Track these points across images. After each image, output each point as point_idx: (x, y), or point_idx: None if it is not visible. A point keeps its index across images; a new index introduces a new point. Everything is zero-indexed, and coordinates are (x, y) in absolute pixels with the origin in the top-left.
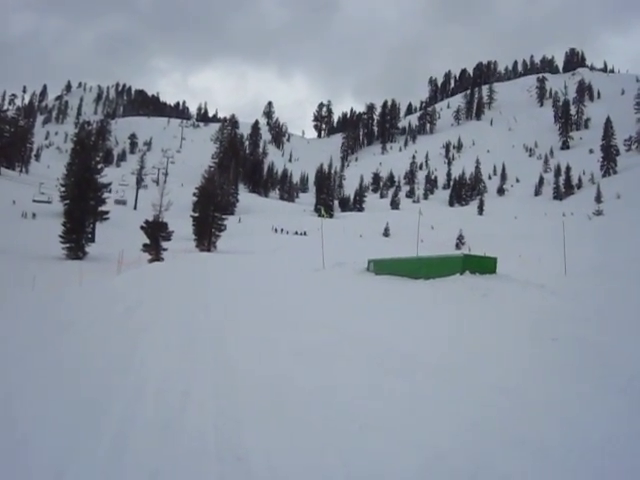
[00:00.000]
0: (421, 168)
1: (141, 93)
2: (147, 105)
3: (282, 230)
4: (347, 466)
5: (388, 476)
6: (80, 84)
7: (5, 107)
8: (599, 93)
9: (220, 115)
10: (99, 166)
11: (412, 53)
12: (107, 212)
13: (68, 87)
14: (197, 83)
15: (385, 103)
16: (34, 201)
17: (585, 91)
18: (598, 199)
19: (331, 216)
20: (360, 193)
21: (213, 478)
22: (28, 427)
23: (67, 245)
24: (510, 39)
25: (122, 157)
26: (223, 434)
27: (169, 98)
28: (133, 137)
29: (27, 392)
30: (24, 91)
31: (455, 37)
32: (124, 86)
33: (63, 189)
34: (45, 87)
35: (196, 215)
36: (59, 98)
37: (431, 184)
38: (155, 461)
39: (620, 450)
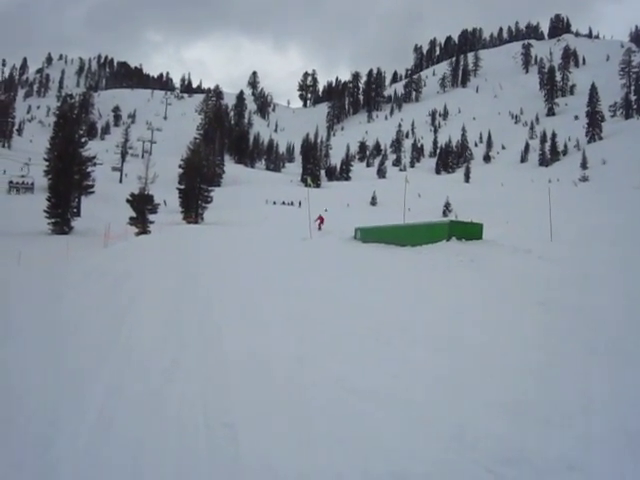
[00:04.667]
0: (407, 136)
1: (124, 65)
2: (130, 77)
3: (268, 201)
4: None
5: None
6: (61, 56)
7: None
8: (584, 59)
9: (205, 86)
10: (83, 139)
11: (403, 21)
12: (92, 186)
13: (49, 60)
14: (191, 55)
15: (370, 72)
16: (10, 185)
17: (570, 57)
18: (584, 165)
19: (318, 186)
20: (347, 162)
21: (202, 443)
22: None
23: (52, 220)
24: (495, 5)
25: (106, 130)
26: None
27: (157, 71)
28: (117, 110)
29: (17, 365)
30: (3, 64)
31: (442, 3)
32: (106, 58)
33: (47, 163)
34: (25, 60)
35: (182, 187)
36: (40, 71)
37: (418, 152)
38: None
39: (603, 408)
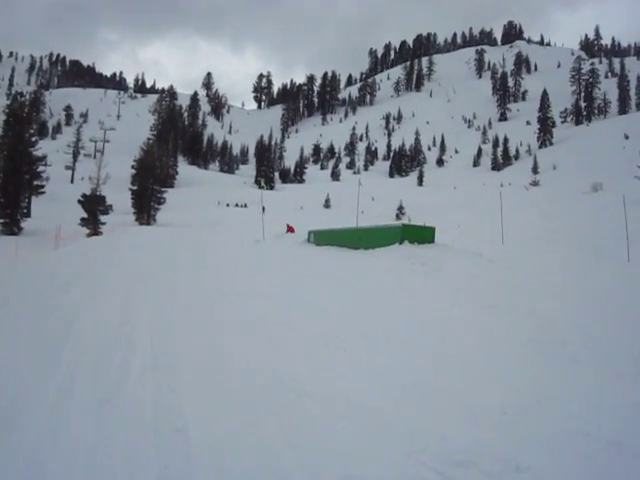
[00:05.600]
0: (361, 139)
1: (76, 64)
2: (82, 76)
3: (221, 202)
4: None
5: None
6: (11, 53)
7: None
8: (536, 66)
9: (159, 86)
10: (33, 139)
11: (359, 25)
12: (43, 186)
13: None
14: (147, 55)
15: (325, 74)
16: None
17: (523, 64)
18: (535, 170)
19: (272, 188)
20: (301, 165)
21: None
22: None
23: (1, 221)
24: (449, 11)
25: (57, 129)
26: (162, 408)
27: (111, 70)
28: (68, 109)
29: None
30: None
31: (398, 8)
32: (58, 56)
33: None
34: None
35: (135, 188)
36: None
37: (371, 155)
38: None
39: (552, 408)
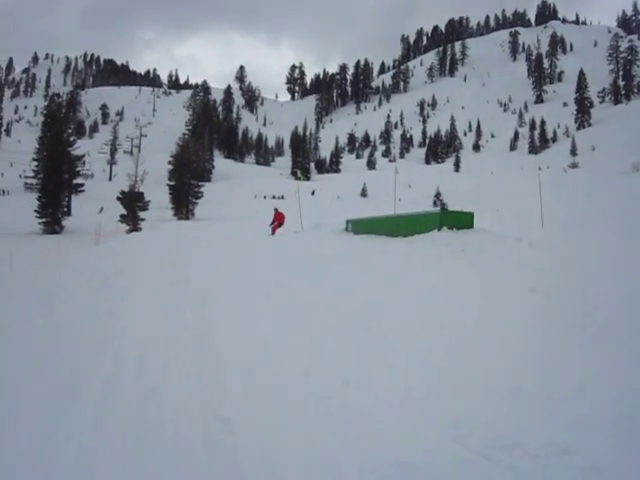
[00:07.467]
0: (396, 127)
1: (110, 62)
2: (117, 74)
3: (257, 195)
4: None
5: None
6: (47, 55)
7: None
8: (572, 46)
9: (193, 81)
10: (71, 138)
11: (391, 12)
12: (82, 185)
13: (35, 59)
14: (182, 52)
15: (358, 63)
16: (26, 186)
17: (558, 44)
18: (573, 152)
19: (308, 179)
20: (336, 154)
21: None
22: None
23: (43, 220)
24: None
25: (94, 128)
26: (207, 404)
27: (144, 67)
28: (104, 107)
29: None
30: None
31: None
32: (92, 56)
33: (36, 164)
34: (11, 60)
35: (172, 183)
36: (26, 71)
37: (407, 143)
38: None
39: (597, 393)
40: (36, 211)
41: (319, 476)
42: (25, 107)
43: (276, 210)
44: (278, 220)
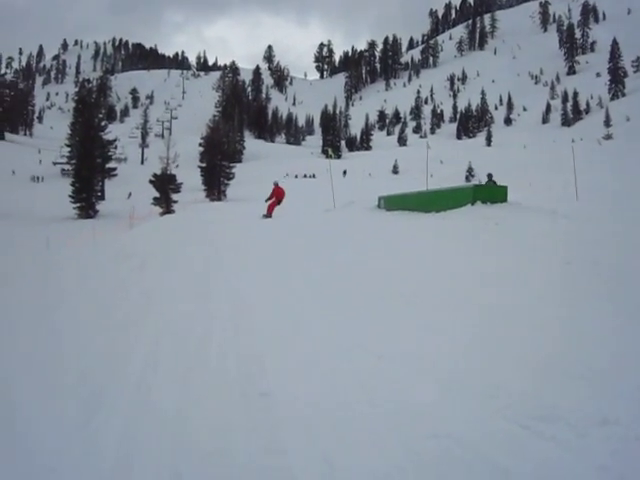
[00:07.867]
0: (426, 102)
1: (139, 46)
2: (145, 58)
3: (289, 174)
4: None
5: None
6: (76, 42)
7: (3, 71)
8: (604, 14)
9: (221, 63)
10: (102, 123)
11: None
12: (115, 169)
13: (64, 46)
14: (211, 34)
15: (386, 39)
16: (54, 163)
17: (590, 13)
18: (607, 123)
19: (339, 157)
20: (366, 132)
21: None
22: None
23: (78, 205)
24: None
25: (125, 112)
26: (244, 373)
27: (172, 50)
28: (134, 92)
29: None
30: (20, 53)
31: None
32: (121, 40)
33: (69, 149)
34: (41, 47)
35: (204, 165)
36: (56, 58)
37: (437, 118)
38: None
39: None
40: (70, 196)
41: (361, 445)
42: (56, 94)
43: (276, 184)
44: (277, 196)
